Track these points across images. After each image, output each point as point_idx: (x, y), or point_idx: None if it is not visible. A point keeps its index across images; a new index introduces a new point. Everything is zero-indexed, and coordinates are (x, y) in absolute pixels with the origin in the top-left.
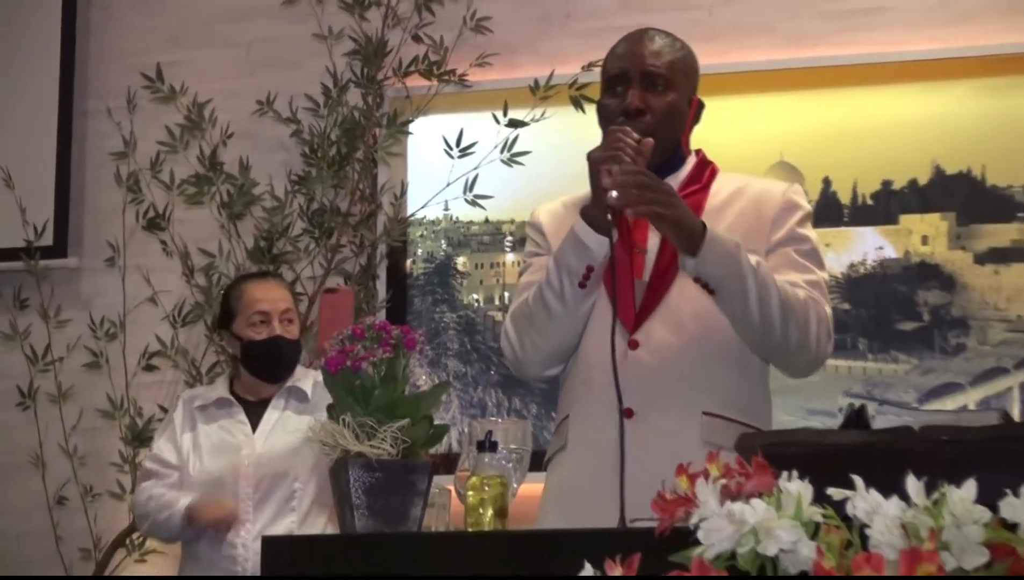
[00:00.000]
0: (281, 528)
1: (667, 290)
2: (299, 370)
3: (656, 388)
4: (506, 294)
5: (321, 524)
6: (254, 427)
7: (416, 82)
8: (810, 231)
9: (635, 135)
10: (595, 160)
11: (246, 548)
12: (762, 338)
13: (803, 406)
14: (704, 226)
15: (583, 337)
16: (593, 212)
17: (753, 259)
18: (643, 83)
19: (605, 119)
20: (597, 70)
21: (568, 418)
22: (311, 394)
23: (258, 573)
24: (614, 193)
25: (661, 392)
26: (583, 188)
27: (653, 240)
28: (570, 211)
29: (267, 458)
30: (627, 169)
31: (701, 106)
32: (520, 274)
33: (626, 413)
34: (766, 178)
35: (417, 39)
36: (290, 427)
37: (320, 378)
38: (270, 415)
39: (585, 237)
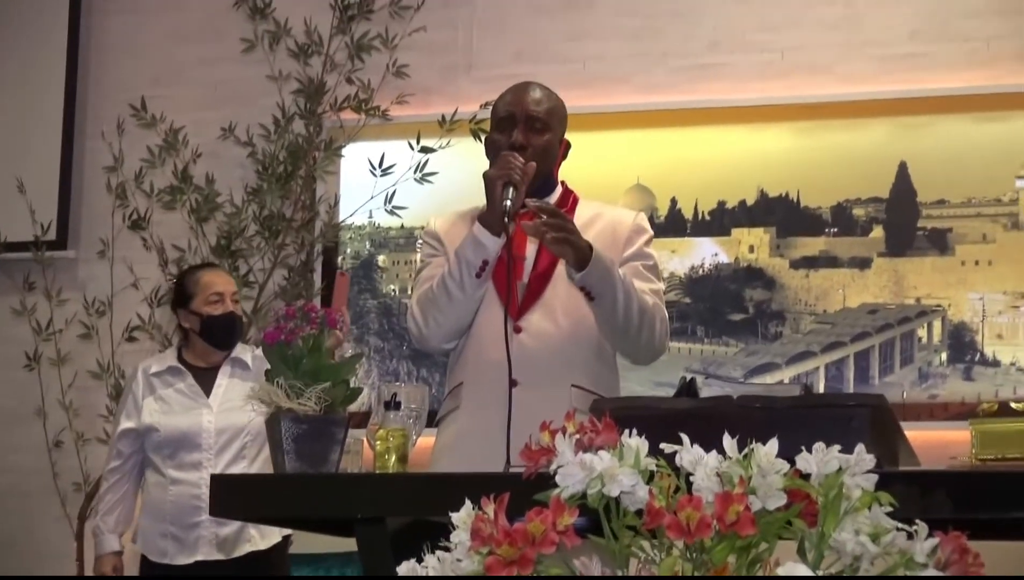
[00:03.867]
0: (235, 472)
1: (543, 289)
2: (239, 345)
3: (536, 364)
4: None
5: (266, 469)
6: (205, 389)
7: (348, 115)
8: (653, 250)
9: (521, 159)
10: (491, 177)
11: (208, 487)
12: (623, 334)
13: (652, 379)
14: (591, 247)
15: (476, 323)
16: (488, 218)
17: (621, 273)
18: (526, 124)
19: (493, 150)
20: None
21: (462, 385)
22: (251, 365)
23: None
24: (542, 230)
25: (540, 367)
26: (477, 202)
27: (530, 249)
28: (462, 219)
29: (223, 416)
30: (545, 206)
31: (568, 146)
32: (419, 270)
33: (513, 383)
34: (617, 207)
35: (349, 81)
36: (238, 391)
37: (258, 352)
38: (221, 380)
39: (482, 237)
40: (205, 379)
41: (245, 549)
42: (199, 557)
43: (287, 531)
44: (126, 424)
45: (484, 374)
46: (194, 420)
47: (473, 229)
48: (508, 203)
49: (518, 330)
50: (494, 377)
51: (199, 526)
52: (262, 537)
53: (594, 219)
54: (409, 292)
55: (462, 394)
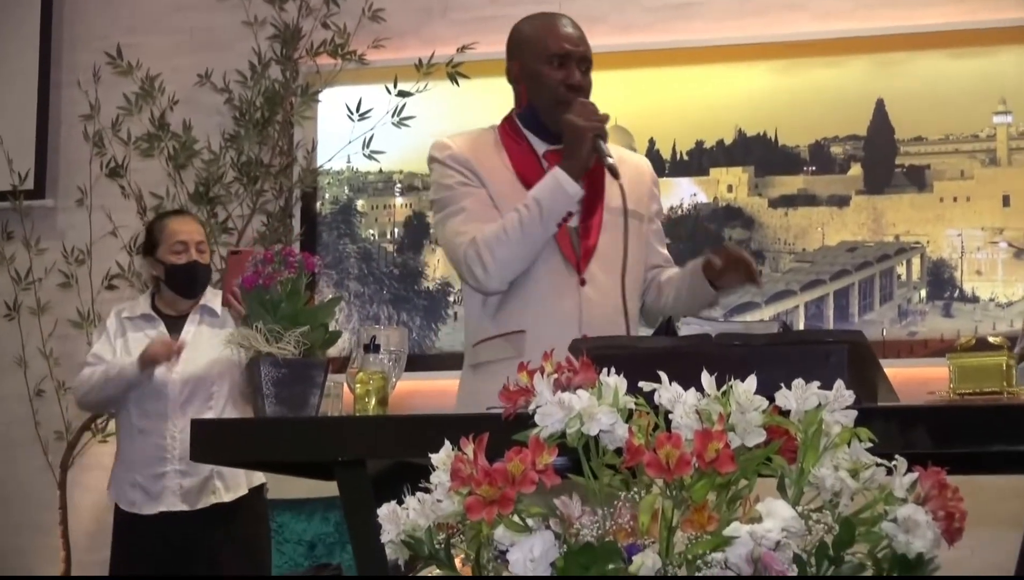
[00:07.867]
0: None
1: (596, 237)
2: (209, 291)
3: (599, 316)
4: (396, 230)
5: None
6: (174, 338)
7: (324, 60)
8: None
9: (600, 110)
10: (582, 128)
11: (174, 439)
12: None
13: None
14: None
15: (537, 269)
16: (575, 170)
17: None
18: (580, 65)
19: (546, 87)
20: (469, 51)
21: (525, 333)
22: (220, 312)
23: (185, 458)
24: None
25: (603, 319)
26: None
27: None
28: (489, 146)
29: (190, 365)
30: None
31: None
32: (441, 196)
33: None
34: (625, 149)
35: (325, 26)
36: (206, 339)
37: None
38: (188, 328)
39: (570, 189)
40: (175, 327)
41: (210, 501)
42: (163, 508)
43: (257, 482)
44: (103, 350)
45: (549, 325)
46: (160, 370)
47: (560, 180)
48: (610, 160)
49: (583, 283)
50: (560, 329)
51: (164, 476)
52: (227, 490)
53: (620, 161)
54: (389, 236)
55: (525, 343)
